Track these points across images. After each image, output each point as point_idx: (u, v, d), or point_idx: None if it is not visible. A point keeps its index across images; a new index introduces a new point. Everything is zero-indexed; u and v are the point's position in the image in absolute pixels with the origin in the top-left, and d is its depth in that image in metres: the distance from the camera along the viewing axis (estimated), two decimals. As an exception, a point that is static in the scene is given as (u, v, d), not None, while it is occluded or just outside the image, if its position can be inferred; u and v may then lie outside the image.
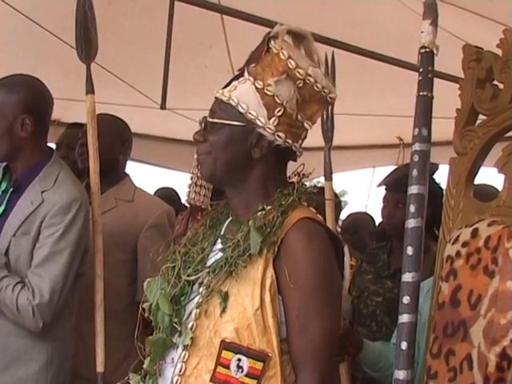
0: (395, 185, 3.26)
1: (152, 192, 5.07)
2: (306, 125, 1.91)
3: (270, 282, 1.79)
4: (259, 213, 1.86)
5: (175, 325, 1.86)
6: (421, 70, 1.77)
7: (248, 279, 1.80)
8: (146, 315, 1.93)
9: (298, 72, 1.86)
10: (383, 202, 3.41)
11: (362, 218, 5.58)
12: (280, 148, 1.89)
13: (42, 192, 2.63)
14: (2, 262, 2.57)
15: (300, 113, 1.89)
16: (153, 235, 3.25)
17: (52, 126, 2.88)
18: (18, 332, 2.59)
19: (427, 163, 1.75)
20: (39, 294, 2.56)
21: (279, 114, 1.86)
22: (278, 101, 1.85)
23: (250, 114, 1.86)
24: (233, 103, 1.87)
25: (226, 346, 1.79)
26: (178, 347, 1.86)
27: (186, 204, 3.58)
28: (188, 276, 1.89)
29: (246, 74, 1.89)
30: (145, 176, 7.94)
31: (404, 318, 1.71)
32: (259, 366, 1.77)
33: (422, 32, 1.75)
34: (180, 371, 1.83)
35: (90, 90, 2.94)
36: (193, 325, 1.84)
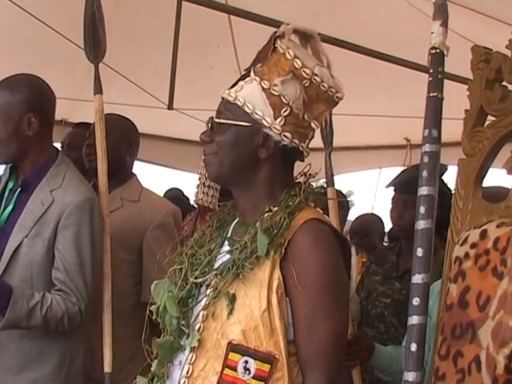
0: (404, 186, 3.26)
1: (160, 192, 5.07)
2: (312, 125, 1.91)
3: (277, 284, 1.78)
4: (266, 214, 1.86)
5: (183, 327, 1.86)
6: (431, 70, 1.76)
7: (255, 281, 1.80)
8: (153, 318, 1.93)
9: (305, 71, 1.85)
10: (392, 203, 3.40)
11: (371, 221, 5.53)
12: (287, 148, 1.88)
13: (51, 191, 2.63)
14: (28, 292, 2.54)
15: (307, 113, 1.88)
16: (158, 235, 3.25)
17: (59, 126, 2.90)
18: (31, 335, 2.59)
19: (437, 164, 1.75)
20: (82, 298, 2.59)
21: (286, 113, 1.85)
22: (284, 101, 1.85)
23: (256, 114, 1.85)
24: (239, 103, 1.86)
25: (233, 347, 1.79)
26: (185, 349, 1.86)
27: (194, 204, 3.58)
28: (195, 278, 1.88)
29: (252, 73, 1.88)
30: (152, 176, 7.95)
31: (414, 320, 1.71)
32: (266, 367, 1.77)
33: (432, 33, 1.74)
34: (187, 373, 1.83)
35: (98, 90, 2.94)
36: (200, 327, 1.83)
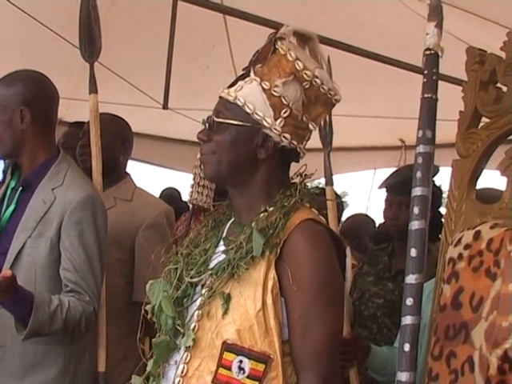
0: (398, 187, 3.26)
1: (155, 192, 5.07)
2: (310, 126, 1.91)
3: (272, 284, 1.79)
4: (261, 214, 1.86)
5: (178, 327, 1.86)
6: (425, 72, 1.77)
7: (250, 281, 1.80)
8: (148, 317, 1.93)
9: (306, 73, 1.86)
10: (385, 203, 3.40)
11: (362, 221, 5.48)
12: (285, 149, 1.89)
13: (53, 189, 2.62)
14: (47, 296, 2.50)
15: (305, 114, 1.89)
16: (150, 235, 3.25)
17: (54, 125, 2.87)
18: (35, 338, 2.53)
19: (431, 165, 1.75)
20: (94, 297, 2.58)
21: (285, 115, 1.86)
22: (284, 102, 1.85)
23: (256, 114, 1.86)
24: (239, 103, 1.87)
25: (227, 347, 1.79)
26: (180, 349, 1.86)
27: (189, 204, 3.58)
28: (191, 278, 1.88)
29: (252, 74, 1.88)
30: (146, 176, 7.94)
31: (407, 320, 1.71)
32: (261, 367, 1.77)
33: (427, 34, 1.75)
34: (182, 372, 1.83)
35: (94, 89, 2.94)
36: (195, 326, 1.83)
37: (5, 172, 2.80)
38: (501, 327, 1.89)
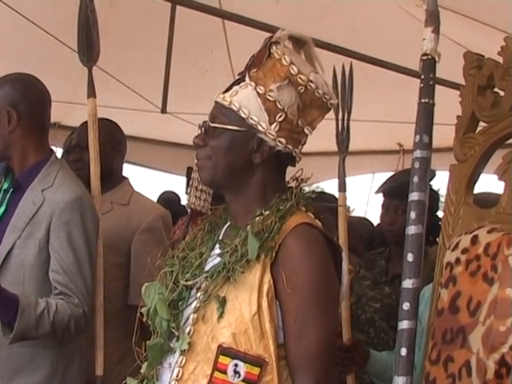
0: (395, 191, 3.26)
1: (153, 196, 5.07)
2: (306, 130, 1.92)
3: (268, 288, 1.79)
4: (257, 218, 1.86)
5: (173, 330, 1.86)
6: (422, 77, 1.77)
7: (245, 284, 1.80)
8: (144, 320, 1.93)
9: (300, 78, 1.86)
10: (382, 208, 3.41)
11: (353, 223, 5.51)
12: (280, 153, 1.89)
13: (42, 191, 2.61)
14: (33, 299, 2.47)
15: (300, 118, 1.89)
16: (146, 238, 3.24)
17: (52, 129, 2.87)
18: (22, 341, 2.51)
19: (428, 170, 1.75)
20: (84, 299, 2.55)
21: (280, 119, 1.86)
22: (279, 106, 1.86)
23: (251, 119, 1.86)
24: (234, 108, 1.87)
25: (223, 350, 1.79)
26: (175, 352, 1.86)
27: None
28: (186, 281, 1.88)
29: (247, 79, 1.89)
30: (145, 180, 7.94)
31: (404, 325, 1.71)
32: (256, 371, 1.77)
33: (423, 39, 1.75)
34: (177, 376, 1.83)
35: (92, 93, 2.93)
36: (190, 330, 1.83)
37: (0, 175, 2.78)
38: (498, 331, 1.89)
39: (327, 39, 3.86)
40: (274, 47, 1.88)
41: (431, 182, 3.32)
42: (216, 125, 1.89)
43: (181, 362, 1.83)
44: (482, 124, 2.21)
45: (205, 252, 1.94)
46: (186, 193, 3.50)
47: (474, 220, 2.16)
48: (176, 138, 7.23)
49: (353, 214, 5.66)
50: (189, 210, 3.54)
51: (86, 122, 3.08)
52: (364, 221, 5.64)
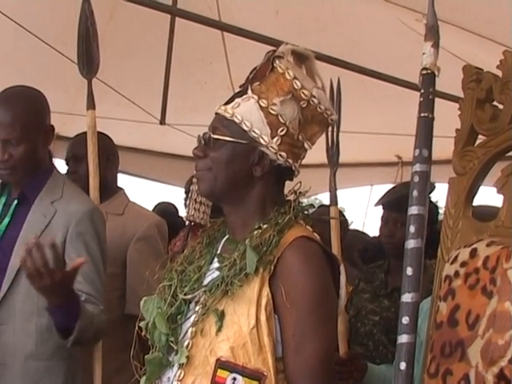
0: (394, 204, 3.26)
1: (151, 207, 5.06)
2: (306, 145, 1.92)
3: (266, 301, 1.78)
4: (255, 231, 1.86)
5: (171, 344, 1.85)
6: (422, 91, 1.77)
7: (244, 298, 1.80)
8: (142, 334, 1.92)
9: (303, 93, 1.87)
10: (381, 221, 3.41)
11: (350, 236, 5.50)
12: (280, 167, 1.89)
13: (52, 203, 2.61)
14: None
15: (301, 133, 1.90)
16: (141, 247, 3.25)
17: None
18: (36, 355, 2.53)
19: (427, 184, 1.75)
20: (104, 306, 2.57)
21: (282, 133, 1.86)
22: (281, 120, 1.86)
23: (253, 132, 1.86)
24: (236, 120, 1.87)
25: (221, 364, 1.78)
26: (173, 366, 1.85)
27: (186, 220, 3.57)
28: (185, 295, 1.88)
29: (249, 91, 1.89)
30: (143, 191, 7.94)
31: (403, 339, 1.71)
32: (254, 384, 1.77)
33: (423, 54, 1.76)
34: (175, 390, 1.83)
35: (91, 105, 2.95)
36: (188, 343, 1.83)
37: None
38: (497, 345, 1.88)
39: (326, 52, 3.86)
40: (277, 61, 1.89)
41: (430, 195, 3.32)
42: (218, 136, 1.89)
43: (179, 376, 1.82)
44: (481, 137, 2.21)
45: (203, 266, 1.93)
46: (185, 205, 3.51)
47: (472, 233, 2.15)
48: (175, 150, 7.23)
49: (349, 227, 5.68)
50: (187, 222, 3.54)
51: (79, 134, 3.09)
52: (360, 234, 5.64)
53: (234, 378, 1.77)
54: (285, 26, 4.61)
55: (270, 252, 1.82)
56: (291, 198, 1.95)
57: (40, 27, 4.83)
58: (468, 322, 1.99)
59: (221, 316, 1.79)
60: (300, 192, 1.95)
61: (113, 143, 3.52)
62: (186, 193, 4.15)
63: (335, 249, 3.06)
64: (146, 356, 1.90)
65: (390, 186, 3.83)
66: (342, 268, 1.92)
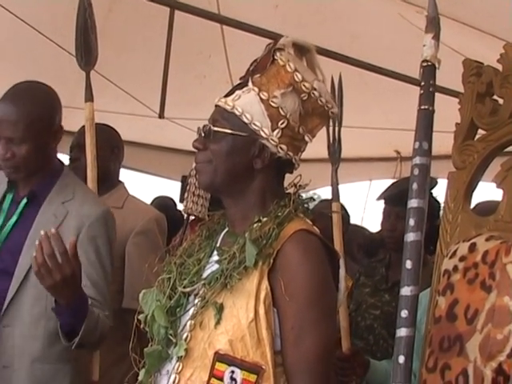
0: (396, 198, 3.26)
1: (149, 201, 5.05)
2: (306, 138, 1.91)
3: (265, 294, 1.78)
4: (255, 224, 1.85)
5: (170, 337, 1.85)
6: (422, 83, 1.77)
7: (243, 291, 1.79)
8: (141, 326, 1.92)
9: (304, 85, 1.86)
10: (383, 215, 3.41)
11: (349, 231, 5.49)
12: (280, 160, 1.89)
13: (63, 203, 2.56)
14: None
15: (302, 126, 1.89)
16: (140, 242, 3.24)
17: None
18: (43, 358, 2.51)
19: (427, 177, 1.75)
20: (110, 311, 2.55)
21: (283, 126, 1.85)
22: (282, 113, 1.85)
23: (254, 124, 1.85)
24: (237, 113, 1.86)
25: (219, 357, 1.78)
26: (172, 358, 1.85)
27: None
28: (184, 288, 1.88)
29: (250, 84, 1.88)
30: (142, 185, 7.93)
31: (402, 332, 1.71)
32: (253, 378, 1.76)
33: (424, 45, 1.75)
34: (174, 382, 1.82)
35: (89, 97, 2.94)
36: (187, 336, 1.83)
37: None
38: (495, 340, 1.88)
39: (326, 46, 3.85)
40: (278, 53, 1.88)
41: (432, 191, 3.32)
42: (219, 129, 1.88)
43: (178, 369, 1.82)
44: (480, 131, 2.21)
45: (203, 258, 1.93)
46: (181, 201, 3.50)
47: (472, 227, 2.15)
48: (173, 144, 7.23)
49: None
50: (185, 216, 3.54)
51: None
52: (359, 228, 5.64)
53: (233, 371, 1.77)
54: (284, 19, 4.60)
55: (269, 245, 1.81)
56: (291, 191, 1.95)
57: (38, 20, 4.83)
58: (467, 316, 1.99)
59: (220, 309, 1.79)
60: (300, 185, 1.95)
61: (119, 137, 3.51)
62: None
63: (337, 243, 3.05)
64: (145, 349, 1.90)
65: (389, 181, 3.83)
66: (341, 261, 1.91)
